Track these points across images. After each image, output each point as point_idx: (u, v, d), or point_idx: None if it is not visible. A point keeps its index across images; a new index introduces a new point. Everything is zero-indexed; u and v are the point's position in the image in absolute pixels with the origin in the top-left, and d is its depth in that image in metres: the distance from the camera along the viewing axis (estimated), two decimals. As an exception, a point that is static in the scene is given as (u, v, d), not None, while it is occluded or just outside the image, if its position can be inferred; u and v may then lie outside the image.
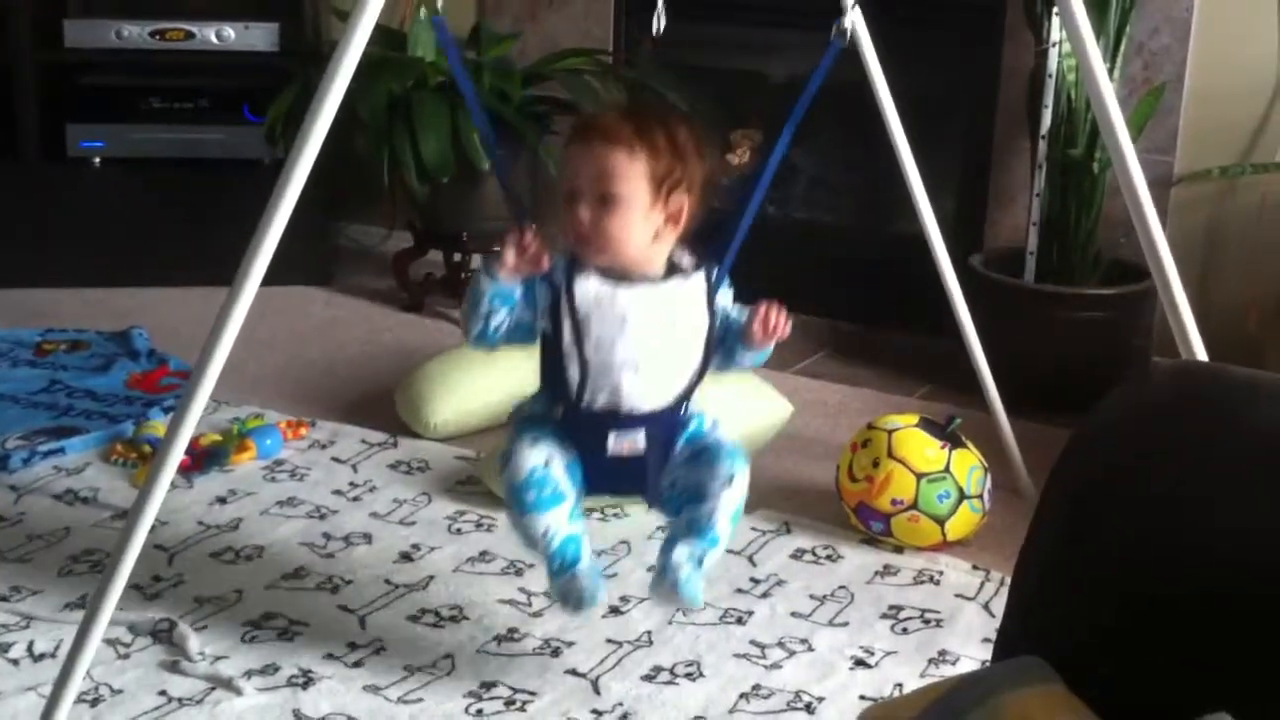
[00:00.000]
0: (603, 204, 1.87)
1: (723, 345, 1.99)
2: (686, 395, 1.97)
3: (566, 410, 1.95)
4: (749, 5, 3.65)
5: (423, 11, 3.65)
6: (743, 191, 2.04)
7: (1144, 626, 1.05)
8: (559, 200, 1.94)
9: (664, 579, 1.93)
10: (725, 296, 2.01)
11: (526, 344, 1.98)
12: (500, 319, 1.91)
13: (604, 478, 1.98)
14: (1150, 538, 1.07)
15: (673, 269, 1.95)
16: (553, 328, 1.92)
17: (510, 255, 1.88)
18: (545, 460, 1.92)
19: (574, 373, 1.91)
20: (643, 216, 1.89)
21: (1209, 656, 1.03)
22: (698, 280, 1.96)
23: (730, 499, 1.95)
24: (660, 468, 1.98)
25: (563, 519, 1.92)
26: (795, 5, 3.33)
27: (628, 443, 1.95)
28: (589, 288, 1.90)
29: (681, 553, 1.92)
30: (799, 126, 2.04)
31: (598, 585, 1.93)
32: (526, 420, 1.99)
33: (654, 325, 1.92)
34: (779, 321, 1.95)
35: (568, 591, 1.94)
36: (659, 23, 1.91)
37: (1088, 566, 1.09)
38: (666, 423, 1.97)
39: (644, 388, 1.93)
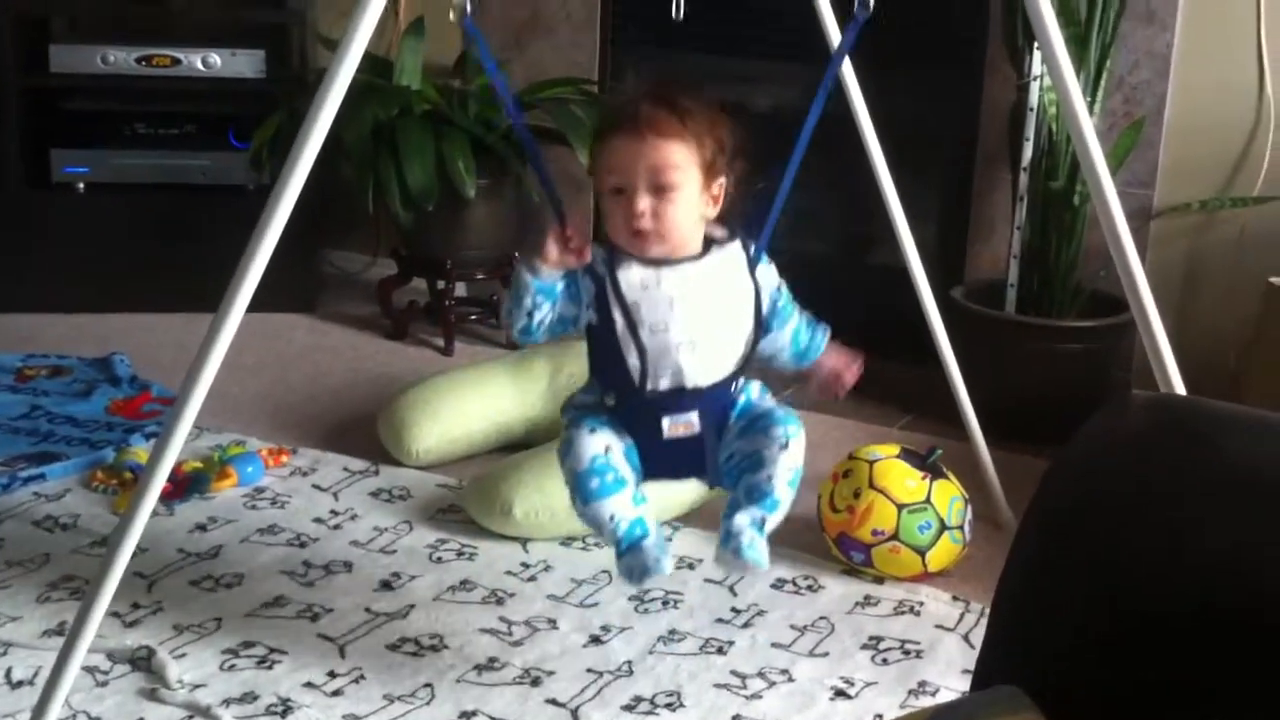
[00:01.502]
0: (659, 194, 1.89)
1: (792, 354, 2.08)
2: (742, 367, 2.01)
3: (620, 398, 1.97)
4: (733, 36, 3.68)
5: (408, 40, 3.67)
6: (775, 166, 2.08)
7: (1120, 655, 1.06)
8: (600, 194, 1.95)
9: (727, 545, 1.96)
10: (768, 273, 2.05)
11: (567, 334, 2.00)
12: (544, 314, 1.93)
13: (662, 462, 2.01)
14: (1125, 568, 1.07)
15: (708, 243, 1.98)
16: (602, 319, 1.94)
17: (552, 250, 1.90)
18: (605, 447, 1.95)
19: (634, 360, 1.93)
20: (696, 202, 1.92)
21: (1185, 684, 1.04)
22: (734, 249, 1.99)
23: (787, 463, 1.98)
24: (716, 446, 2.01)
25: (626, 503, 1.96)
26: (779, 37, 3.35)
27: (682, 425, 1.98)
28: (633, 275, 1.92)
29: (743, 519, 1.96)
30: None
31: (662, 554, 1.95)
32: (580, 410, 2.01)
33: (702, 300, 1.95)
34: (846, 385, 2.09)
35: (632, 565, 1.96)
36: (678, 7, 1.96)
37: (1064, 596, 1.10)
38: (720, 399, 2.00)
39: (702, 363, 1.96)
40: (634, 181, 1.89)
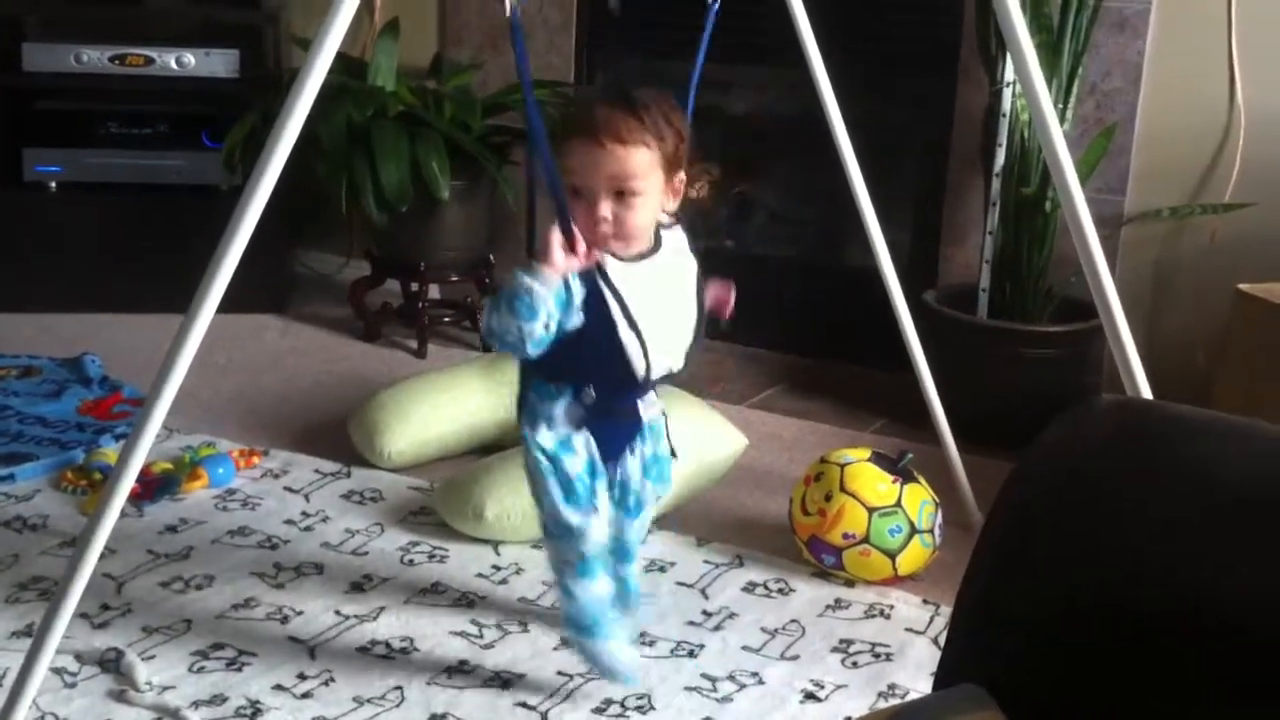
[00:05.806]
0: (622, 199, 1.87)
1: None
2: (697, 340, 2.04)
3: (603, 392, 1.95)
4: (710, 41, 3.68)
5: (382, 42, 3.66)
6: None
7: (1078, 654, 1.07)
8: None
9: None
10: None
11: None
12: (554, 321, 1.86)
13: (624, 442, 2.03)
14: (1085, 569, 1.08)
15: (657, 229, 1.97)
16: (596, 318, 1.88)
17: (557, 253, 1.83)
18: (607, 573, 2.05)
19: (636, 353, 1.92)
20: (658, 201, 1.92)
21: (1144, 684, 1.04)
22: (678, 231, 2.00)
23: None
24: None
25: (624, 641, 2.10)
26: (753, 41, 3.36)
27: (653, 404, 2.04)
28: (616, 271, 1.90)
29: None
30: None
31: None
32: (555, 431, 1.97)
33: (674, 288, 1.97)
34: (727, 304, 2.06)
35: (607, 666, 2.10)
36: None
37: (1025, 597, 1.11)
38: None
39: (680, 347, 1.99)
40: (595, 187, 1.87)
